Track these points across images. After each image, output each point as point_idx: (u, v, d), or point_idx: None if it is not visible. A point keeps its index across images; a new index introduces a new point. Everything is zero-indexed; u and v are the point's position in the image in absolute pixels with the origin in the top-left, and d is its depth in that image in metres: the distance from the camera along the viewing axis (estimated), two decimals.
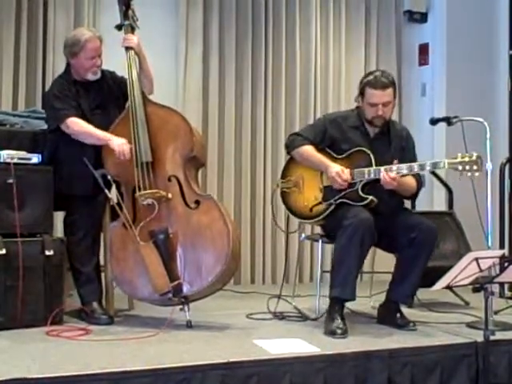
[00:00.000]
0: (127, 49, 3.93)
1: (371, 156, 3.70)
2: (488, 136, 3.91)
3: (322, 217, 3.81)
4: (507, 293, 4.72)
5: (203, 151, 4.02)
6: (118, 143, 3.72)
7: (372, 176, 3.67)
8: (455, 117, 4.05)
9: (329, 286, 3.63)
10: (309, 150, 3.83)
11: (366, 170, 3.69)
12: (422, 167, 3.66)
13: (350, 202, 3.70)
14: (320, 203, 3.82)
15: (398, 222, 3.74)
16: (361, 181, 3.70)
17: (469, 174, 3.54)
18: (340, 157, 3.80)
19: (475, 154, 3.54)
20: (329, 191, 3.78)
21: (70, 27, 4.94)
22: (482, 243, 3.95)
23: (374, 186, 3.69)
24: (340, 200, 3.73)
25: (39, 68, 4.98)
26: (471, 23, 5.91)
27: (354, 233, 3.52)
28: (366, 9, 6.03)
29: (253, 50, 5.63)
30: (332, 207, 3.76)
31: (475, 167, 3.53)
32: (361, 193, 3.70)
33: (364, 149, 3.74)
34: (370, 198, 3.68)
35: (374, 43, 6.07)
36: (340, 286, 3.56)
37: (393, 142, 3.85)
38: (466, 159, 3.53)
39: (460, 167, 3.55)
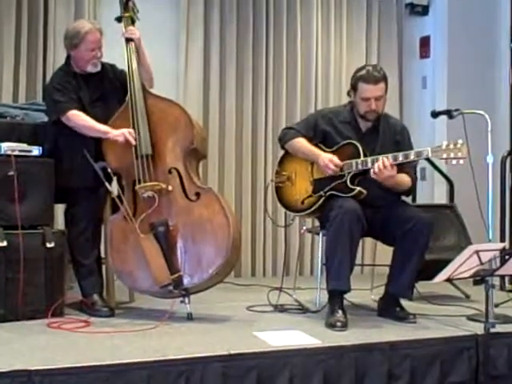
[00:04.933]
0: (128, 41, 3.92)
1: (359, 148, 3.70)
2: (489, 129, 3.90)
3: (312, 209, 3.83)
4: (508, 286, 4.72)
5: (204, 143, 4.01)
6: (119, 133, 3.72)
7: (360, 167, 3.67)
8: (456, 109, 4.04)
9: (325, 279, 3.64)
10: (301, 141, 3.86)
11: (353, 161, 3.69)
12: (406, 156, 3.61)
13: (339, 194, 3.70)
14: (310, 196, 3.84)
15: (393, 214, 3.73)
16: (349, 172, 3.70)
17: (454, 161, 3.48)
18: (329, 150, 3.80)
19: (460, 141, 3.46)
20: (319, 184, 3.80)
21: (71, 19, 4.93)
22: (482, 236, 3.95)
23: (364, 178, 3.69)
24: (330, 192, 3.74)
25: (40, 60, 4.98)
26: (472, 16, 5.90)
27: (340, 224, 3.53)
28: (367, 2, 6.03)
29: (254, 43, 5.62)
30: (322, 199, 3.77)
31: (460, 154, 3.45)
32: (349, 184, 3.70)
33: (352, 141, 3.74)
34: (358, 189, 3.68)
35: (376, 36, 6.07)
36: (334, 278, 3.57)
37: (383, 136, 3.83)
38: (451, 146, 3.46)
39: (444, 155, 3.48)
